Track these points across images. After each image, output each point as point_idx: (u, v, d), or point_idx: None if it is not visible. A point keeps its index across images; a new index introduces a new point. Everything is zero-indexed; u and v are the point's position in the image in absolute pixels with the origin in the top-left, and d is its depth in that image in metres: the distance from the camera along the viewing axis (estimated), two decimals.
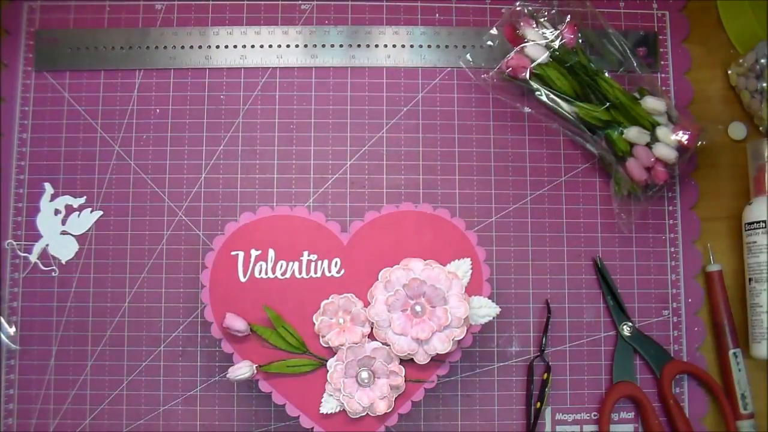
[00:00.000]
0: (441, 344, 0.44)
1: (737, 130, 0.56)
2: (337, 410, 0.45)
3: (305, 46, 0.55)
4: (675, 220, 0.54)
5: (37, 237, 0.52)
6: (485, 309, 0.45)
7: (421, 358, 0.44)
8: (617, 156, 0.51)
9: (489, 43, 0.53)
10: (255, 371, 0.45)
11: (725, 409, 0.51)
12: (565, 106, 0.51)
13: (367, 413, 0.45)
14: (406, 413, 0.46)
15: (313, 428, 0.45)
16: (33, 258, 0.52)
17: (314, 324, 0.45)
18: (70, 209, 0.52)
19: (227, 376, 0.45)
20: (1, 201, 0.52)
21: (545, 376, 0.51)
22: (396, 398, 0.45)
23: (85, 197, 0.52)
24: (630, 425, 0.52)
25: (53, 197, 0.52)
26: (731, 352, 0.52)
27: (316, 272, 0.46)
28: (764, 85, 0.53)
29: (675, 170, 0.51)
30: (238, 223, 0.46)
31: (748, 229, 0.52)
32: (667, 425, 0.51)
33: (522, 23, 0.52)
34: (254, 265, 0.45)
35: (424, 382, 0.46)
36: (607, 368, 0.52)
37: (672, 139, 0.50)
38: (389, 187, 0.53)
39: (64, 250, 0.52)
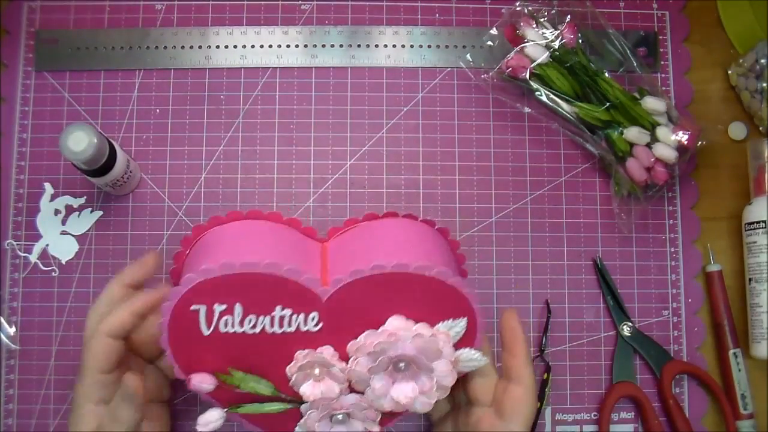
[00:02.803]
0: (421, 407, 0.41)
1: (737, 130, 0.56)
2: None
3: (305, 46, 0.55)
4: (675, 220, 0.54)
5: (37, 237, 0.52)
6: (473, 362, 0.41)
7: (400, 411, 0.42)
8: (617, 156, 0.51)
9: (489, 43, 0.53)
10: (225, 416, 0.42)
11: (725, 409, 0.51)
12: (565, 106, 0.51)
13: None
14: (403, 416, 0.44)
15: None
16: (33, 258, 0.52)
17: (287, 376, 0.41)
18: (70, 209, 0.52)
19: (197, 428, 0.41)
20: (1, 201, 0.52)
21: (545, 376, 0.51)
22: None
23: (85, 197, 0.52)
24: (630, 425, 0.52)
25: (53, 197, 0.52)
26: (731, 352, 0.52)
27: (290, 326, 0.40)
28: (764, 85, 0.53)
29: (675, 170, 0.51)
30: (197, 277, 0.39)
31: (748, 229, 0.52)
32: (667, 425, 0.51)
33: (522, 23, 0.52)
34: (219, 319, 0.40)
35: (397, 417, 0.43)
36: (607, 368, 0.52)
37: (672, 139, 0.50)
38: (389, 187, 0.53)
39: (64, 250, 0.52)
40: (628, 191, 0.52)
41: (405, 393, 0.40)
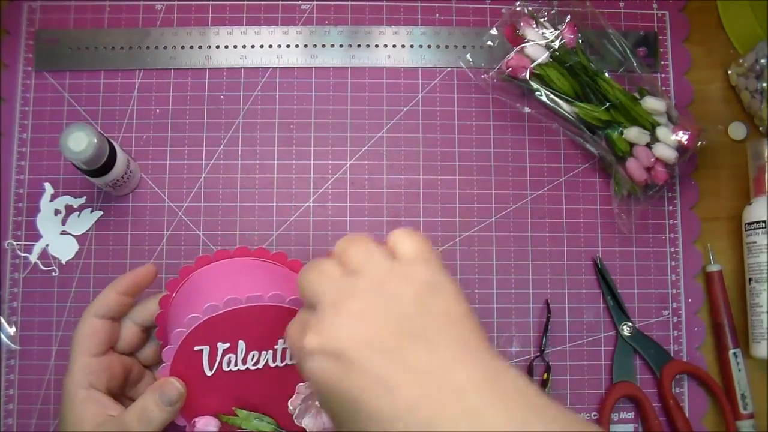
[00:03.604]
0: None
1: (737, 130, 0.56)
2: None
3: (305, 46, 0.55)
4: (675, 220, 0.54)
5: (37, 237, 0.52)
6: None
7: None
8: (617, 156, 0.51)
9: (489, 43, 0.53)
10: None
11: (725, 409, 0.51)
12: (565, 106, 0.51)
13: None
14: None
15: None
16: (33, 258, 0.52)
17: (289, 410, 0.41)
18: (70, 209, 0.52)
19: None
20: (1, 201, 0.52)
21: (545, 376, 0.51)
22: None
23: (85, 197, 0.52)
24: (630, 425, 0.52)
25: (53, 197, 0.52)
26: (731, 352, 0.52)
27: (291, 359, 0.41)
28: (764, 85, 0.53)
29: (675, 170, 0.51)
30: (202, 316, 0.39)
31: (748, 229, 0.52)
32: (667, 425, 0.51)
33: (522, 23, 0.52)
34: (222, 358, 0.40)
35: None
36: (607, 368, 0.52)
37: (672, 139, 0.50)
38: (389, 187, 0.53)
39: (64, 250, 0.52)
40: (628, 191, 0.52)
41: None
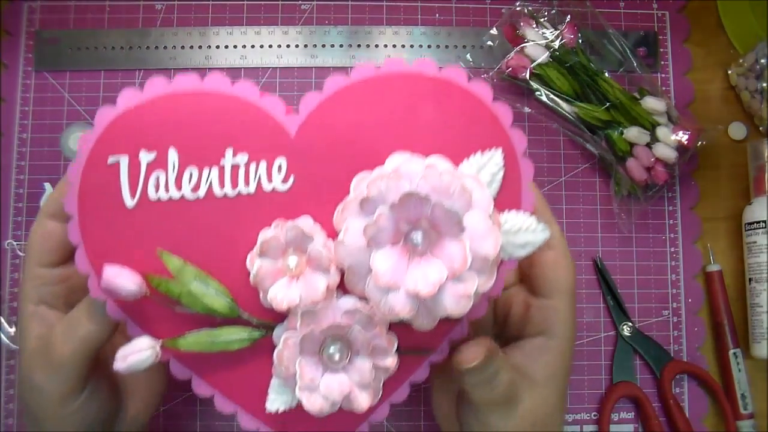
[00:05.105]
0: (455, 303, 0.26)
1: (737, 130, 0.56)
2: (294, 405, 0.28)
3: (305, 46, 0.55)
4: (675, 220, 0.54)
5: None
6: (527, 234, 0.26)
7: (424, 323, 0.26)
8: (617, 156, 0.51)
9: (489, 43, 0.53)
10: (159, 353, 0.28)
11: (725, 409, 0.51)
12: (565, 106, 0.52)
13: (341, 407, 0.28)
14: (401, 402, 0.30)
15: (258, 429, 0.30)
16: None
17: (249, 271, 0.28)
18: None
19: (115, 366, 0.28)
20: (1, 201, 0.52)
21: None
22: (385, 381, 0.28)
23: None
24: (630, 425, 0.52)
25: None
26: (731, 352, 0.52)
27: (247, 184, 0.28)
28: (764, 85, 0.53)
29: (675, 170, 0.51)
30: (116, 107, 0.27)
31: (748, 229, 0.52)
32: (667, 425, 0.51)
33: (522, 23, 0.52)
34: (147, 177, 0.28)
35: (429, 353, 0.29)
36: (607, 368, 0.52)
37: (672, 139, 0.50)
38: None
39: None
40: (628, 191, 0.52)
41: (426, 277, 0.25)
